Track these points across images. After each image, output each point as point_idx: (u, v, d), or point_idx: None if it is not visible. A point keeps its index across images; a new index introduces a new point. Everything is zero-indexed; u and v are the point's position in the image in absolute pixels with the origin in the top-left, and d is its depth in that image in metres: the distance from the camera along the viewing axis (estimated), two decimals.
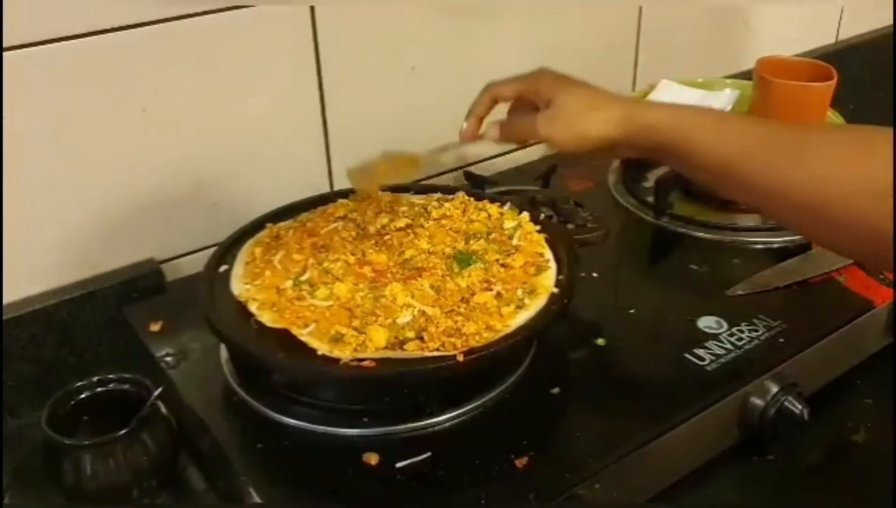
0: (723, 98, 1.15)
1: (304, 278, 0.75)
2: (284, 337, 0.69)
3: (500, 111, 0.82)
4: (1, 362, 0.83)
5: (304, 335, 0.69)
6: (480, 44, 1.09)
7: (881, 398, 0.86)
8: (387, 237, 0.80)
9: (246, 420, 0.72)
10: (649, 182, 1.09)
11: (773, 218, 0.73)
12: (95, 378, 0.75)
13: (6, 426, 0.83)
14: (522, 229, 0.82)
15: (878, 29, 1.61)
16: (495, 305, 0.72)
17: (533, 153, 1.21)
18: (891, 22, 1.55)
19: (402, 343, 0.68)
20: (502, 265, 0.77)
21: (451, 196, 0.88)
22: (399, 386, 0.71)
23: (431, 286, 0.73)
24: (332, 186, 1.03)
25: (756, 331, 0.81)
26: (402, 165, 0.84)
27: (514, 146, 1.18)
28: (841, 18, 1.56)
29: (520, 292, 0.74)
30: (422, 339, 0.68)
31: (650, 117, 0.70)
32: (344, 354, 0.67)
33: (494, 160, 1.17)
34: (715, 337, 0.80)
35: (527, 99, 0.79)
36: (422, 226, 0.82)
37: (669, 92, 1.16)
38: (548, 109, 0.75)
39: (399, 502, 0.65)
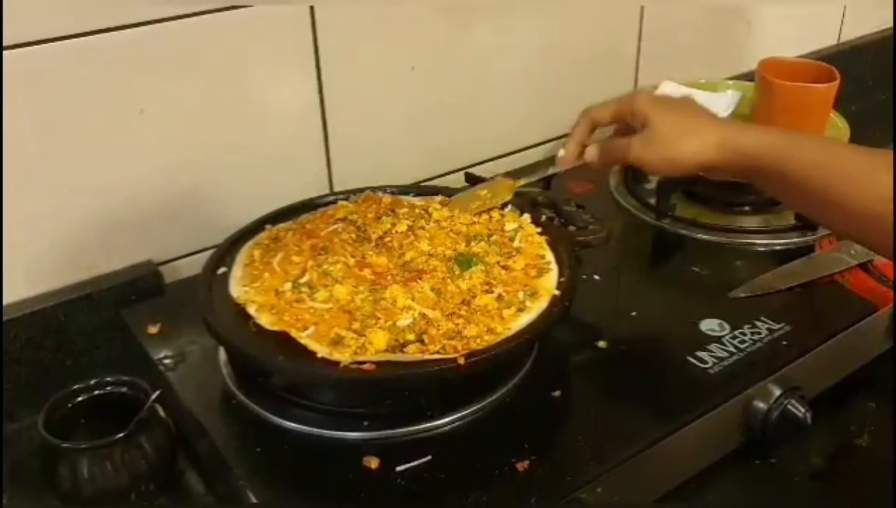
0: (725, 99, 1.14)
1: (303, 280, 0.74)
2: (283, 340, 0.69)
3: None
4: (1, 364, 0.82)
5: (303, 337, 0.68)
6: (480, 44, 1.09)
7: (884, 401, 0.85)
8: (387, 239, 0.80)
9: (245, 424, 0.72)
10: (651, 184, 1.08)
11: (868, 243, 0.72)
12: (93, 381, 0.75)
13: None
14: (524, 231, 0.82)
15: (881, 30, 1.60)
16: (496, 307, 0.72)
17: (534, 155, 1.21)
18: (892, 23, 1.54)
19: (402, 346, 0.68)
20: (503, 267, 0.77)
21: (452, 198, 0.87)
22: (399, 389, 0.71)
23: (432, 289, 0.73)
24: (331, 187, 1.02)
25: (759, 334, 0.81)
26: (501, 190, 0.86)
27: (516, 148, 1.19)
28: (843, 19, 1.55)
29: (521, 294, 0.73)
30: (422, 342, 0.68)
31: (751, 144, 0.71)
32: (344, 356, 0.66)
33: (495, 162, 1.17)
34: (717, 340, 0.80)
35: (624, 122, 0.79)
36: (422, 228, 0.81)
37: (671, 93, 1.15)
38: (643, 131, 0.75)
39: (399, 505, 0.65)
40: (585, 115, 0.81)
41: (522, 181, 0.87)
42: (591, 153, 0.80)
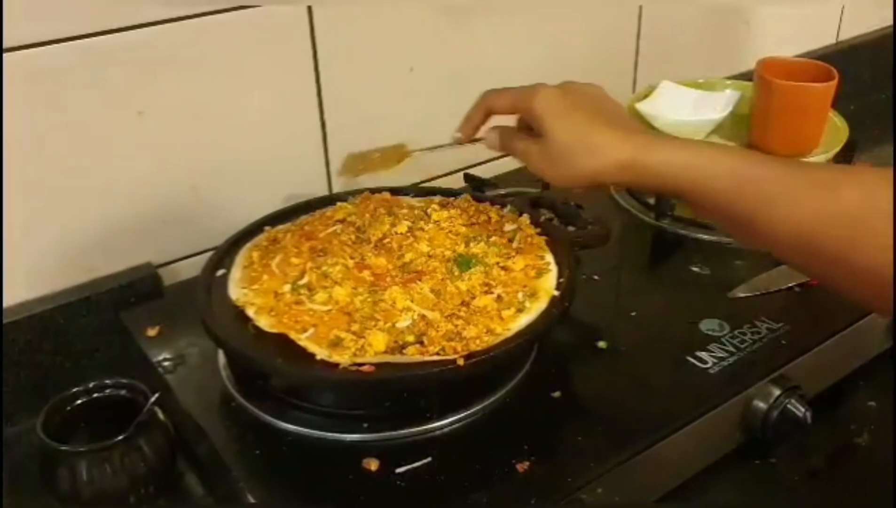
0: (723, 99, 1.14)
1: (302, 282, 0.74)
2: (282, 342, 0.69)
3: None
4: (1, 366, 0.82)
5: (302, 339, 0.68)
6: (480, 44, 1.09)
7: (884, 400, 0.85)
8: (386, 240, 0.80)
9: (244, 426, 0.72)
10: None
11: (796, 266, 0.67)
12: (92, 384, 0.75)
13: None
14: (522, 232, 0.82)
15: (879, 29, 1.60)
16: (496, 308, 0.71)
17: None
18: (891, 22, 1.55)
19: (401, 347, 0.67)
20: (503, 268, 0.76)
21: (451, 198, 0.87)
22: (399, 391, 0.71)
23: (431, 290, 0.73)
24: (330, 189, 1.02)
25: (758, 333, 0.81)
26: (391, 155, 0.82)
27: None
28: (841, 18, 1.55)
29: (520, 295, 0.73)
30: (422, 343, 0.68)
31: (660, 163, 0.64)
32: (343, 358, 0.66)
33: (494, 162, 1.17)
34: (717, 340, 0.80)
35: (523, 118, 0.74)
36: (421, 229, 0.81)
37: (670, 93, 1.15)
38: (540, 141, 0.70)
39: (399, 507, 0.64)
40: (483, 99, 0.76)
41: (416, 150, 0.82)
42: (490, 139, 0.76)
